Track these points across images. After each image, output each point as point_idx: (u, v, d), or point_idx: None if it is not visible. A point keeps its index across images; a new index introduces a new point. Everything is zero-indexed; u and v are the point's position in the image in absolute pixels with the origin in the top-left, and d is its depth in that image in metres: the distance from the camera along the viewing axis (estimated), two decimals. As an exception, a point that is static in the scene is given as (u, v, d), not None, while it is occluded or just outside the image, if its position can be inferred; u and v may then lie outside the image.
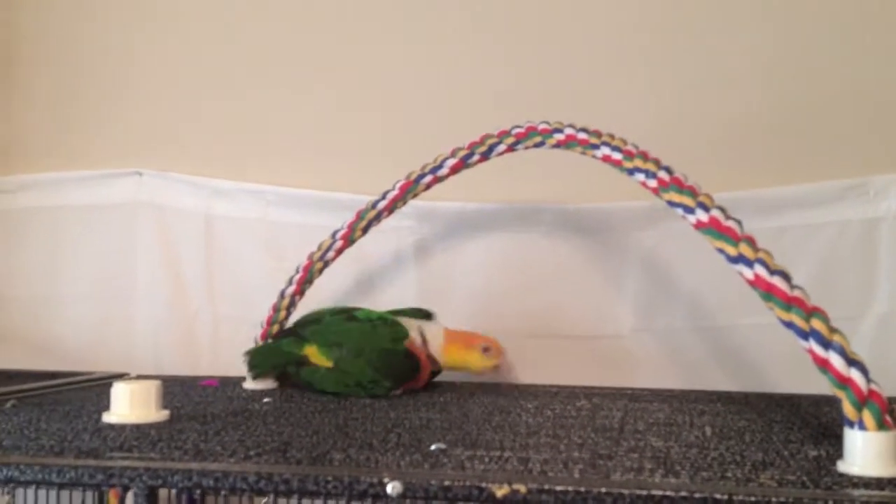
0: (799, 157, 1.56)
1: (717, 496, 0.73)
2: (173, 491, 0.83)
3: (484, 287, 1.64)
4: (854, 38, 1.55)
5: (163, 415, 1.10)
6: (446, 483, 0.77)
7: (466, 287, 1.62)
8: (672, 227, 1.50)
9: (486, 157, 1.36)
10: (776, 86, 1.57)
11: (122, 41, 1.82)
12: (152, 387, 1.09)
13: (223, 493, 0.80)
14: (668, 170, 1.08)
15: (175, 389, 1.41)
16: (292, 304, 1.48)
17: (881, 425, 0.83)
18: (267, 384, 1.46)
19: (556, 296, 1.63)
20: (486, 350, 1.43)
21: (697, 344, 1.56)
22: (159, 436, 0.99)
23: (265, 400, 1.32)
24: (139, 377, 1.54)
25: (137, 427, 1.05)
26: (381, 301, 1.65)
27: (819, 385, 0.93)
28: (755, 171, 1.55)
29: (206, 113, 1.77)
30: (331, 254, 1.46)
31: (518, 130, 1.32)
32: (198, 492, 0.80)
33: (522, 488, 0.76)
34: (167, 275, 1.74)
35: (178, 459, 0.86)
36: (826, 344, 0.86)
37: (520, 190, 1.64)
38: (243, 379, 1.47)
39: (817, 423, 1.15)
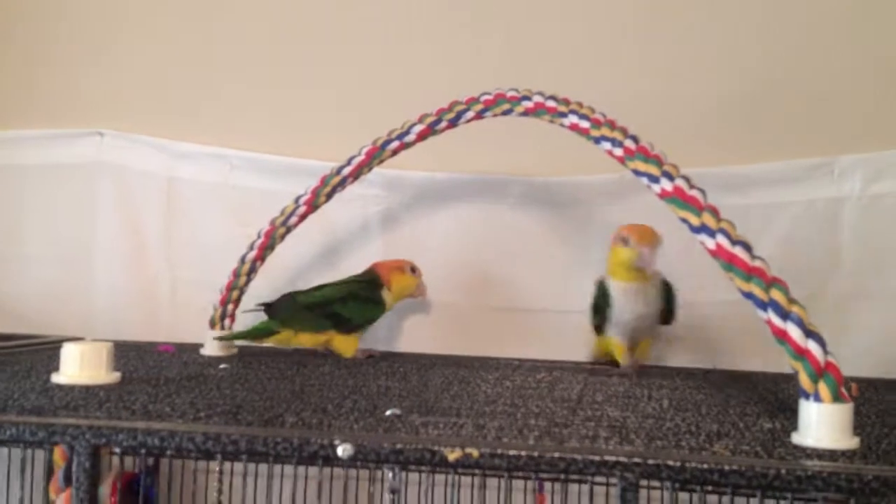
0: (766, 136, 1.56)
1: (670, 463, 0.73)
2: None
3: (450, 258, 1.62)
4: (821, 21, 1.54)
5: (114, 377, 1.08)
6: (398, 446, 0.76)
7: (432, 257, 1.60)
8: (638, 201, 1.48)
9: (453, 123, 1.34)
10: (745, 66, 1.56)
11: (86, 1, 1.77)
12: (103, 348, 1.07)
13: (169, 453, 0.78)
14: (635, 139, 1.07)
15: (130, 354, 1.39)
16: (253, 270, 1.46)
17: (837, 397, 0.83)
18: (227, 350, 1.44)
19: (521, 269, 1.62)
20: (413, 270, 1.50)
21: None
22: (108, 397, 0.97)
23: (222, 366, 1.30)
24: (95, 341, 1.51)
25: (86, 388, 1.02)
26: (347, 269, 1.63)
27: (780, 364, 0.92)
28: (723, 149, 1.55)
29: (171, 75, 1.73)
30: (293, 219, 1.44)
31: (486, 97, 1.30)
32: (143, 451, 0.77)
33: (475, 452, 0.75)
34: (127, 238, 1.70)
35: (124, 419, 0.84)
36: (784, 315, 0.86)
37: (489, 161, 1.62)
38: (201, 345, 1.45)
39: (775, 399, 1.15)
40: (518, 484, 1.28)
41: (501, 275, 1.63)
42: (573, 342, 1.57)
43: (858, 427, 0.89)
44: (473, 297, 1.63)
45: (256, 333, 1.42)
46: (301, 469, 1.36)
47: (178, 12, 1.74)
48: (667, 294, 1.37)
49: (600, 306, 1.37)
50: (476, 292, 1.62)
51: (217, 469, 1.23)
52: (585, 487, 0.83)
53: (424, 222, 1.65)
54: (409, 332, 1.63)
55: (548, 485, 1.33)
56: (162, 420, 0.84)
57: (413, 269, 1.50)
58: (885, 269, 1.51)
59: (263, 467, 0.85)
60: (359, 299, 1.45)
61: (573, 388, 1.19)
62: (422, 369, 1.34)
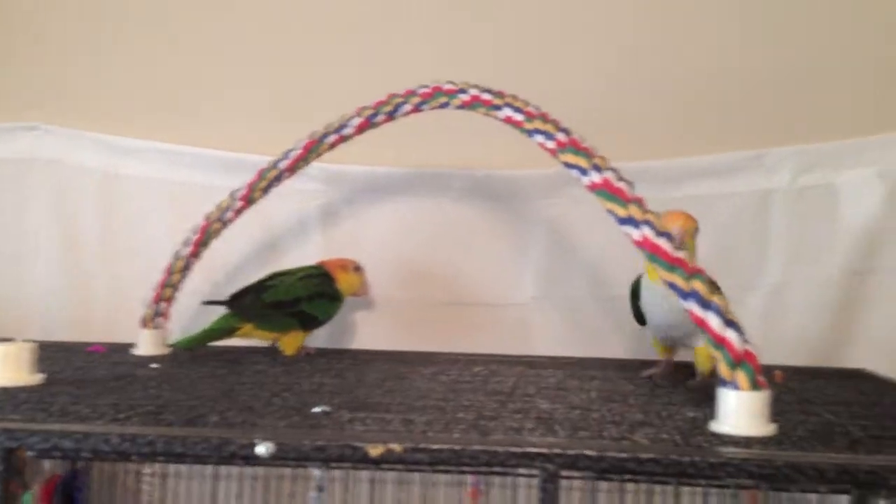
0: (699, 130, 1.58)
1: (588, 453, 0.74)
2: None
3: (391, 253, 1.61)
4: (752, 16, 1.57)
5: (37, 378, 1.06)
6: (320, 443, 0.76)
7: (373, 252, 1.59)
8: (576, 195, 1.50)
9: (391, 116, 1.33)
10: (678, 61, 1.58)
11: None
12: (24, 349, 1.04)
13: (84, 455, 0.76)
14: (566, 132, 1.07)
15: (59, 355, 1.36)
16: (187, 267, 1.44)
17: (754, 385, 0.84)
18: (160, 350, 1.42)
19: (461, 263, 1.62)
20: (356, 269, 1.49)
21: (596, 312, 1.57)
22: (28, 398, 0.95)
23: (152, 366, 1.28)
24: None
25: (6, 390, 1.00)
26: (287, 264, 1.62)
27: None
28: (657, 143, 1.56)
29: (110, 69, 1.70)
30: (229, 215, 1.42)
31: (424, 90, 1.30)
32: (57, 454, 0.75)
33: (398, 447, 0.75)
34: (62, 235, 1.67)
35: (39, 421, 0.82)
36: (705, 304, 0.87)
37: (429, 155, 1.62)
38: (133, 345, 1.42)
39: (704, 389, 1.17)
40: (458, 479, 1.30)
41: (442, 269, 1.63)
42: (513, 335, 1.59)
43: (778, 414, 0.90)
44: (415, 292, 1.62)
45: (218, 334, 1.40)
46: (248, 470, 1.38)
47: (117, 5, 1.70)
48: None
49: (633, 302, 1.29)
50: (417, 287, 1.62)
51: (150, 472, 1.23)
52: (522, 481, 0.84)
53: (365, 217, 1.64)
54: (350, 329, 1.63)
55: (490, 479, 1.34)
56: (80, 422, 0.83)
57: (357, 269, 1.50)
58: (814, 259, 1.54)
59: (209, 469, 0.84)
60: (325, 297, 1.45)
61: (507, 381, 1.19)
62: (359, 366, 1.34)
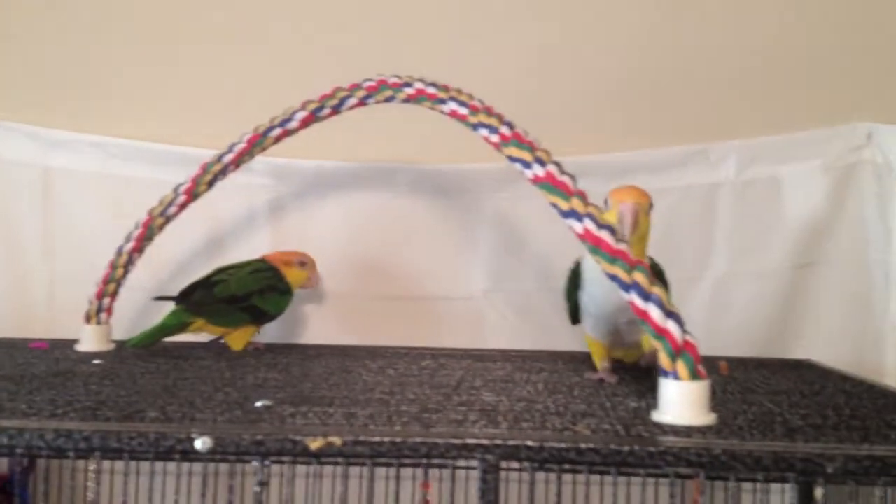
0: (645, 124, 1.59)
1: (529, 443, 0.74)
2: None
3: (340, 247, 1.61)
4: (694, 11, 1.58)
5: (-28, 375, 1.03)
6: (259, 437, 0.75)
7: (322, 246, 1.58)
8: (525, 189, 1.49)
9: (336, 110, 1.33)
10: (623, 56, 1.59)
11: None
12: (-40, 345, 1.02)
13: (19, 451, 0.75)
14: (510, 125, 1.08)
15: (0, 351, 1.33)
16: (130, 262, 1.41)
17: (694, 375, 0.85)
18: (104, 346, 1.39)
19: (412, 257, 1.62)
20: (302, 264, 1.47)
21: (546, 305, 1.57)
22: (-39, 396, 0.93)
23: (95, 361, 1.26)
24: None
25: (-59, 388, 0.98)
26: (234, 259, 1.60)
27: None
28: (603, 137, 1.58)
29: (46, 61, 1.66)
30: (173, 209, 1.40)
31: (369, 84, 1.29)
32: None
33: (337, 441, 0.75)
34: (1, 230, 1.63)
35: (-33, 418, 0.80)
36: (646, 296, 0.88)
37: (378, 149, 1.61)
38: (76, 341, 1.40)
39: (648, 380, 1.18)
40: (406, 472, 1.30)
41: (391, 263, 1.62)
42: (464, 329, 1.59)
43: (720, 404, 0.92)
44: (364, 287, 1.62)
45: (170, 330, 1.37)
46: (196, 466, 1.36)
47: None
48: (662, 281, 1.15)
49: (570, 290, 1.24)
50: (367, 281, 1.62)
51: (93, 468, 1.20)
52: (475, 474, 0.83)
53: (313, 211, 1.63)
54: (299, 324, 1.62)
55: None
56: (15, 417, 0.81)
57: (302, 263, 1.48)
58: (759, 251, 1.57)
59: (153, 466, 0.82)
60: (276, 291, 1.44)
61: (455, 375, 1.19)
62: (306, 360, 1.33)
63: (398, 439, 0.75)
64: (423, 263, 1.62)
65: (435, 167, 1.61)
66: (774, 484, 0.75)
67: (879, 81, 1.57)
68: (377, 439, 0.75)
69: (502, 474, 0.75)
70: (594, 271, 1.13)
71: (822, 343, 1.54)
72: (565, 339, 1.56)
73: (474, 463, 0.75)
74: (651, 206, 1.11)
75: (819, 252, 1.56)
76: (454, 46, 1.61)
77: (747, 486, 1.19)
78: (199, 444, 0.74)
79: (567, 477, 1.22)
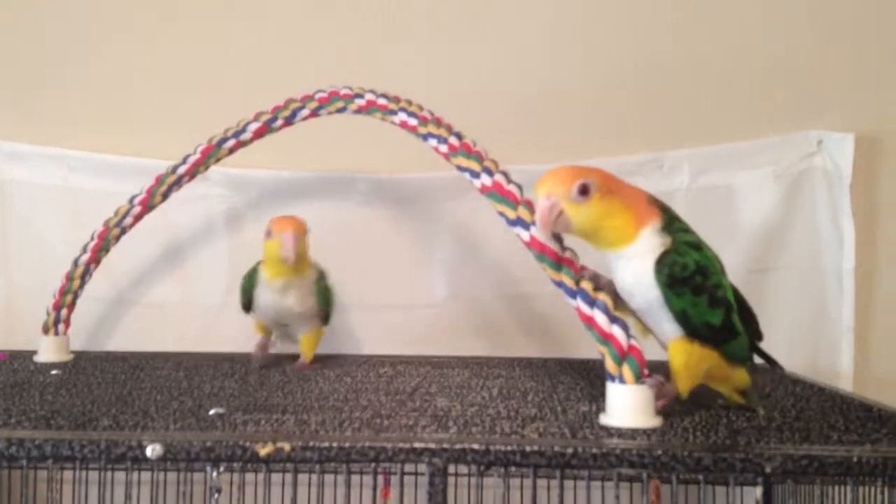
0: (598, 133, 1.62)
1: (475, 447, 0.76)
2: None
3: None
4: (647, 22, 1.61)
5: (-75, 386, 1.03)
6: (209, 444, 0.76)
7: (279, 257, 1.59)
8: (481, 197, 1.52)
9: (289, 121, 1.34)
10: (575, 65, 1.62)
11: None
12: (-89, 356, 1.02)
13: (-31, 462, 0.75)
14: (459, 135, 1.10)
15: (-45, 363, 1.32)
16: (87, 273, 1.41)
17: (639, 379, 0.87)
18: (62, 356, 1.39)
19: (370, 265, 1.62)
20: (268, 234, 1.30)
21: (504, 312, 1.59)
22: (-87, 406, 0.93)
23: (53, 372, 1.26)
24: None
25: None
26: (192, 269, 1.60)
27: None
28: (557, 147, 1.59)
29: (1, 74, 1.65)
30: (128, 220, 1.40)
31: (321, 95, 1.31)
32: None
33: (286, 446, 0.76)
34: (-45, 245, 1.62)
35: (-81, 427, 0.80)
36: (591, 302, 0.90)
37: (335, 159, 1.62)
38: (35, 352, 1.39)
39: (601, 384, 1.20)
40: (366, 480, 1.31)
41: (350, 272, 1.62)
42: (422, 336, 1.60)
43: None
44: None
45: None
46: (138, 476, 1.36)
47: (9, 7, 1.66)
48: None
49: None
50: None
51: (47, 478, 1.20)
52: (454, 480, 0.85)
53: (270, 220, 1.63)
54: (255, 333, 1.61)
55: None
56: (-34, 428, 0.81)
57: (268, 234, 1.29)
58: None
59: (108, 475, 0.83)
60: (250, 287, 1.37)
61: (411, 381, 1.21)
62: (263, 369, 1.33)
63: (347, 444, 0.76)
64: (383, 272, 1.63)
65: (392, 177, 1.62)
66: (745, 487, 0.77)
67: (830, 90, 1.61)
68: (326, 444, 0.76)
69: (454, 479, 0.77)
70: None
71: (778, 347, 1.52)
72: (522, 344, 1.59)
73: (422, 468, 0.76)
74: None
75: (773, 258, 1.59)
76: (416, 57, 1.63)
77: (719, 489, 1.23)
78: (150, 451, 0.75)
79: (520, 482, 1.26)
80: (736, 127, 1.62)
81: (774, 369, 1.09)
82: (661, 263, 0.90)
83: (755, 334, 1.05)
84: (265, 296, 1.33)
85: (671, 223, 0.93)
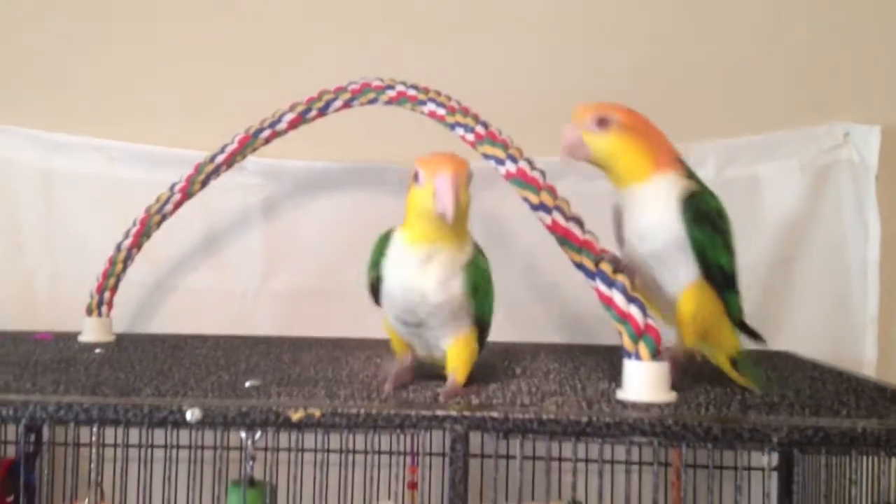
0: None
1: (494, 415, 0.80)
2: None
3: (329, 245, 1.66)
4: (674, 15, 1.64)
5: (-20, 359, 1.09)
6: (244, 409, 0.81)
7: (312, 244, 1.64)
8: (508, 187, 1.55)
9: (323, 112, 1.39)
10: (603, 57, 1.64)
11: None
12: (-33, 331, 1.08)
13: (24, 422, 0.81)
14: (485, 124, 1.14)
15: (6, 342, 1.39)
16: (129, 258, 1.47)
17: (654, 356, 0.91)
18: (105, 337, 1.45)
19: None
20: (415, 178, 0.96)
21: (531, 300, 1.63)
22: (-30, 376, 0.99)
23: (97, 351, 1.32)
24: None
25: (-51, 369, 1.04)
26: (228, 256, 1.66)
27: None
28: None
29: (47, 66, 1.72)
30: (168, 207, 1.46)
31: (353, 86, 1.35)
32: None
33: (317, 412, 0.81)
34: (3, 231, 1.69)
35: (-20, 394, 0.86)
36: (610, 283, 0.94)
37: (366, 150, 1.66)
38: (79, 333, 1.46)
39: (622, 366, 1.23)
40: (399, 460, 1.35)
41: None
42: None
43: (686, 387, 0.97)
44: (355, 282, 1.66)
45: None
46: (183, 453, 1.42)
47: (53, 4, 1.72)
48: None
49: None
50: (357, 277, 1.66)
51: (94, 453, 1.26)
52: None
53: (305, 210, 1.68)
54: (292, 317, 1.66)
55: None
56: (21, 394, 0.87)
57: (416, 176, 0.96)
58: (739, 248, 1.56)
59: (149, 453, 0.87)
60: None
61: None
62: (298, 350, 1.38)
63: (373, 411, 0.80)
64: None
65: (420, 167, 1.66)
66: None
67: (856, 82, 1.62)
68: (354, 411, 0.80)
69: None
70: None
71: (803, 336, 1.59)
72: (549, 332, 1.62)
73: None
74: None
75: (798, 248, 1.60)
76: (442, 51, 1.67)
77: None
78: (189, 415, 0.80)
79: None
80: (762, 119, 1.63)
81: (757, 342, 1.12)
82: (691, 198, 0.95)
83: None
84: (396, 272, 0.97)
85: (691, 175, 1.00)
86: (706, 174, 1.60)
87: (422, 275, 0.94)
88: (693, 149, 1.61)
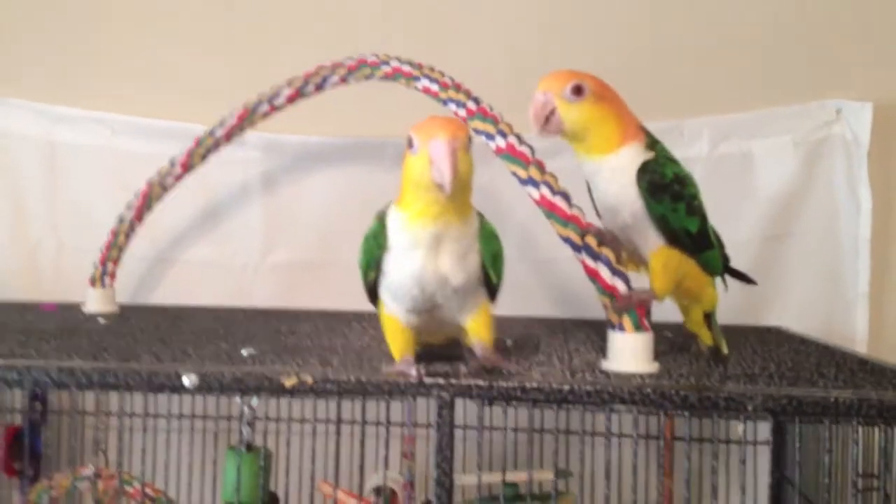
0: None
1: (480, 383, 0.83)
2: None
3: (327, 218, 1.68)
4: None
5: (-14, 329, 1.13)
6: (238, 375, 0.84)
7: (310, 218, 1.67)
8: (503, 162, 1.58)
9: (320, 88, 1.41)
10: (592, 31, 1.66)
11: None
12: (-27, 301, 1.11)
13: (25, 387, 0.84)
14: (477, 100, 1.16)
15: (12, 311, 1.42)
16: (132, 229, 1.50)
17: (638, 327, 0.94)
18: (109, 307, 1.48)
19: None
20: (409, 144, 0.90)
21: (526, 275, 1.65)
22: (-23, 344, 1.02)
23: (100, 320, 1.35)
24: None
25: (-44, 337, 1.07)
26: (228, 229, 1.69)
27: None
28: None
29: (49, 40, 1.74)
30: (170, 180, 1.49)
31: (350, 62, 1.37)
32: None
33: (309, 379, 0.84)
34: (7, 203, 1.72)
35: (-16, 359, 0.89)
36: (595, 256, 0.97)
37: (364, 125, 1.68)
38: (83, 303, 1.49)
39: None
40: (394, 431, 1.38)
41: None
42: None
43: (672, 357, 1.00)
44: (353, 255, 1.69)
45: None
46: (185, 422, 1.46)
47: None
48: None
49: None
50: (352, 251, 1.69)
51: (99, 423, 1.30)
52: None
53: (303, 184, 1.71)
54: (290, 290, 1.69)
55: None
56: (25, 359, 0.90)
57: (410, 142, 0.89)
58: (732, 224, 1.58)
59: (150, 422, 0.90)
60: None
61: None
62: (295, 322, 1.41)
63: (363, 378, 0.83)
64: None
65: (420, 142, 1.68)
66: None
67: (848, 59, 1.63)
68: (344, 378, 0.83)
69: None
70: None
71: (795, 311, 1.61)
72: (544, 307, 1.65)
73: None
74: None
75: (791, 224, 1.62)
76: (426, 27, 1.68)
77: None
78: (186, 380, 0.83)
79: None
80: (755, 95, 1.64)
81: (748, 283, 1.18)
82: (643, 171, 0.95)
83: (724, 258, 1.13)
84: (404, 263, 0.90)
85: (654, 144, 1.00)
86: (700, 150, 1.63)
87: (435, 258, 0.87)
88: (688, 125, 1.63)
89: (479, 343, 0.93)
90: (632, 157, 0.97)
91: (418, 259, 0.88)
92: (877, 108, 1.57)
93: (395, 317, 0.94)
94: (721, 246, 1.12)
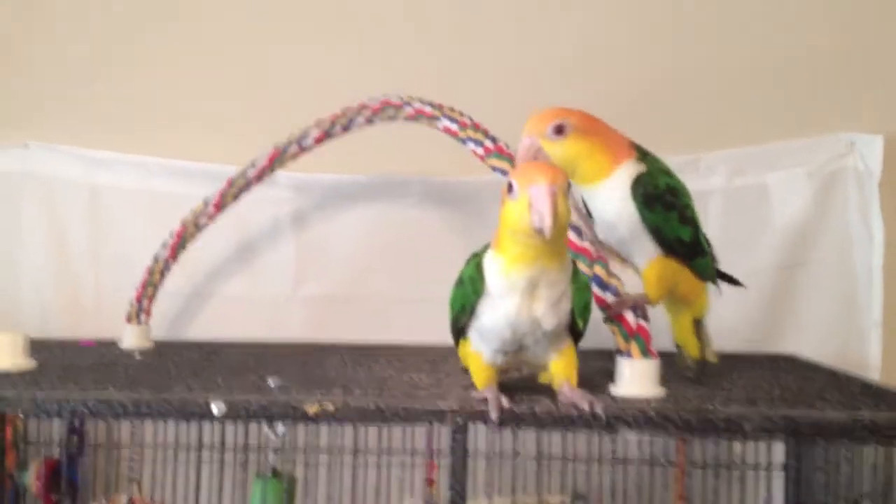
0: (637, 135, 1.67)
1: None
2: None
3: (357, 254, 1.74)
4: (685, 26, 1.70)
5: (30, 363, 1.19)
6: (264, 403, 0.89)
7: (340, 253, 1.73)
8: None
9: (346, 129, 1.47)
10: (616, 68, 1.71)
11: (7, 13, 1.86)
12: (19, 337, 1.19)
13: (63, 416, 0.90)
14: (494, 139, 1.22)
15: (54, 348, 1.49)
16: (167, 268, 1.57)
17: (645, 354, 0.98)
18: (144, 344, 1.55)
19: (423, 263, 1.74)
20: (509, 190, 0.92)
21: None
22: (21, 378, 1.09)
23: (136, 356, 1.41)
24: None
25: (3, 372, 1.13)
26: (261, 266, 1.75)
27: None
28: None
29: (90, 87, 1.82)
30: (203, 219, 1.55)
31: (374, 104, 1.44)
32: (42, 415, 0.89)
33: (331, 406, 0.89)
34: (52, 245, 1.79)
35: (30, 391, 0.96)
36: (604, 286, 1.01)
37: (390, 162, 1.74)
38: (120, 341, 1.56)
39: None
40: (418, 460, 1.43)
41: (404, 269, 1.75)
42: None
43: (681, 383, 1.04)
44: (380, 290, 1.75)
45: None
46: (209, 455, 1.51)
47: (98, 26, 1.82)
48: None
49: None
50: (383, 285, 1.75)
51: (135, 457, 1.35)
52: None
53: (333, 221, 1.77)
54: (319, 324, 1.74)
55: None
56: (64, 391, 0.97)
57: (510, 188, 0.91)
58: (748, 254, 1.66)
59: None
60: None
61: (455, 365, 1.31)
62: (323, 356, 1.46)
63: (382, 405, 0.88)
64: (435, 268, 1.73)
65: (443, 179, 1.74)
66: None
67: (860, 94, 1.68)
68: (364, 405, 0.88)
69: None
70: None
71: (809, 340, 1.63)
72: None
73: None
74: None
75: (805, 254, 1.65)
76: (445, 64, 1.73)
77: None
78: (215, 408, 0.88)
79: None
80: (770, 129, 1.68)
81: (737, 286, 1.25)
82: (637, 183, 1.01)
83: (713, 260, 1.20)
84: (500, 306, 0.92)
85: (644, 156, 1.06)
86: (717, 183, 1.67)
87: (530, 303, 0.90)
88: (704, 159, 1.67)
89: (565, 383, 0.95)
90: (625, 174, 1.03)
91: (514, 304, 0.90)
92: (888, 141, 1.61)
93: (480, 354, 0.98)
94: (712, 254, 1.19)
